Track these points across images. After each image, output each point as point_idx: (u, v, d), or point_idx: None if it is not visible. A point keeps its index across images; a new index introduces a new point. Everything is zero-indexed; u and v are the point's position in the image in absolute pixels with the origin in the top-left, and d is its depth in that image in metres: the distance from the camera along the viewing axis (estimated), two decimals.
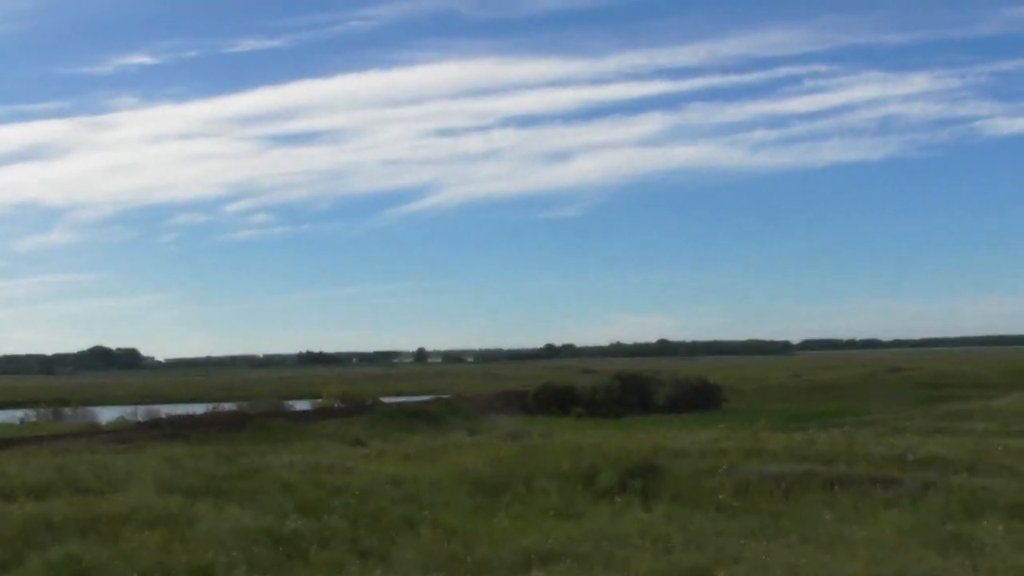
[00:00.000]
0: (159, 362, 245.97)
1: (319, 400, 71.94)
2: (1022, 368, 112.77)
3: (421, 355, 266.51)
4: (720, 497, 18.34)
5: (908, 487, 18.25)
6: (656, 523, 15.39)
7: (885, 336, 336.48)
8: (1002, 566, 11.30)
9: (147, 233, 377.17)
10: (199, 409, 60.41)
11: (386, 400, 69.60)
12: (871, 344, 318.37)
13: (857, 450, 23.19)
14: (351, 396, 72.43)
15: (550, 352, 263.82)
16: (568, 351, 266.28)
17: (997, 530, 13.57)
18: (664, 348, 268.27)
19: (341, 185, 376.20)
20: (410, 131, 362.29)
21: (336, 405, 66.33)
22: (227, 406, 63.94)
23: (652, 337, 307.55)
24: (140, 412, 58.60)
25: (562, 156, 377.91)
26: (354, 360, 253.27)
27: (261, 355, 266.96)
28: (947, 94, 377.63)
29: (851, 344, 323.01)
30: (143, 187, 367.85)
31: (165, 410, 59.91)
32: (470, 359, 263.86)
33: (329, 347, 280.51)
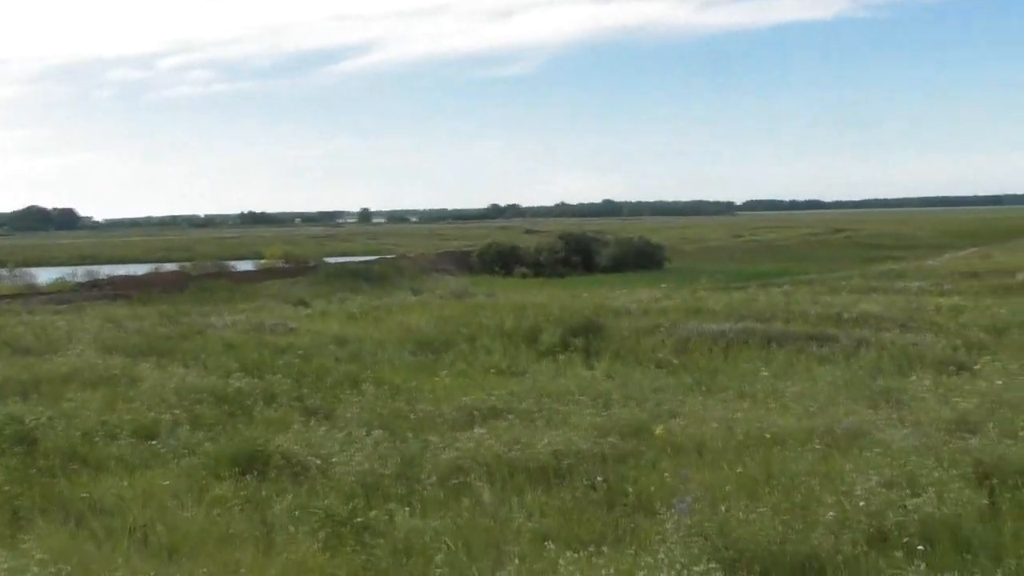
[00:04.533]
0: (98, 222, 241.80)
1: (262, 261, 71.38)
2: (956, 229, 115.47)
3: (365, 215, 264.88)
4: (660, 355, 18.70)
5: (842, 344, 18.72)
6: (597, 380, 15.66)
7: (827, 197, 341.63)
8: (927, 417, 11.69)
9: (80, 89, 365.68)
10: (140, 270, 59.71)
11: (330, 260, 69.37)
12: (813, 205, 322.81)
13: (794, 308, 23.68)
14: (294, 256, 72.07)
15: (495, 212, 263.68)
16: (513, 211, 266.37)
17: (924, 384, 14.02)
18: (609, 208, 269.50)
19: (280, 41, 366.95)
20: None
21: (279, 265, 65.96)
22: (169, 267, 63.26)
23: (597, 197, 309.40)
24: (79, 273, 57.65)
25: (508, 12, 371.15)
26: (297, 220, 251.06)
27: (202, 215, 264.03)
28: None
29: (794, 205, 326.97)
30: (73, 40, 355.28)
31: (105, 271, 58.99)
32: (414, 219, 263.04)
33: (271, 207, 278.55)
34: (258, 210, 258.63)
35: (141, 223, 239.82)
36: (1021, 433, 10.37)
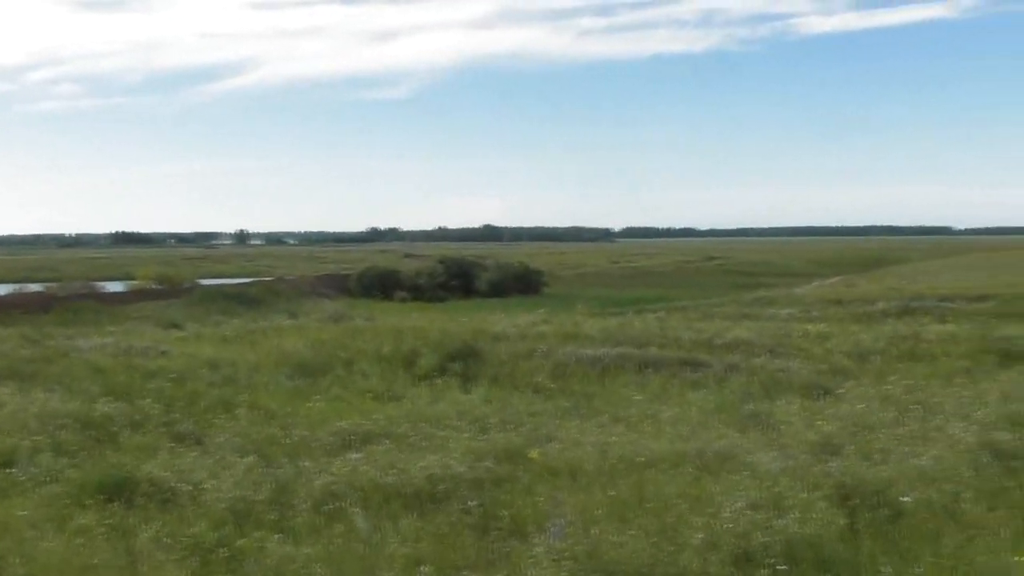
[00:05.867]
0: None
1: (133, 282, 69.35)
2: (824, 258, 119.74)
3: (242, 237, 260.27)
4: (537, 379, 18.84)
5: (714, 369, 19.19)
6: (474, 405, 15.67)
7: (701, 226, 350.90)
8: (793, 441, 12.05)
9: None
10: (2, 290, 57.41)
11: (205, 283, 67.93)
12: (688, 233, 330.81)
13: (669, 334, 24.17)
14: (168, 278, 70.22)
15: (374, 235, 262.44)
16: (392, 235, 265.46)
17: (792, 408, 14.45)
18: (489, 233, 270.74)
19: (152, 57, 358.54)
20: (228, 2, 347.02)
21: (152, 287, 64.24)
22: (33, 287, 60.91)
23: (477, 222, 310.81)
24: None
25: (387, 36, 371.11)
26: (171, 241, 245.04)
27: (70, 234, 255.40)
28: None
29: (669, 232, 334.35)
30: None
31: None
32: (292, 241, 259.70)
33: (144, 227, 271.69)
34: (130, 230, 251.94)
35: (4, 241, 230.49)
36: (879, 455, 10.78)
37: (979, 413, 13.02)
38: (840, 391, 16.37)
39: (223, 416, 14.76)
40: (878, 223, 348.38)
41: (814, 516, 8.47)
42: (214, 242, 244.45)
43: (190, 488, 10.30)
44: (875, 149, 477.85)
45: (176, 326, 33.96)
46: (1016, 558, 7.63)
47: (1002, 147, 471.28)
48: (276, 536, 8.81)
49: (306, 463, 11.38)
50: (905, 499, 9.12)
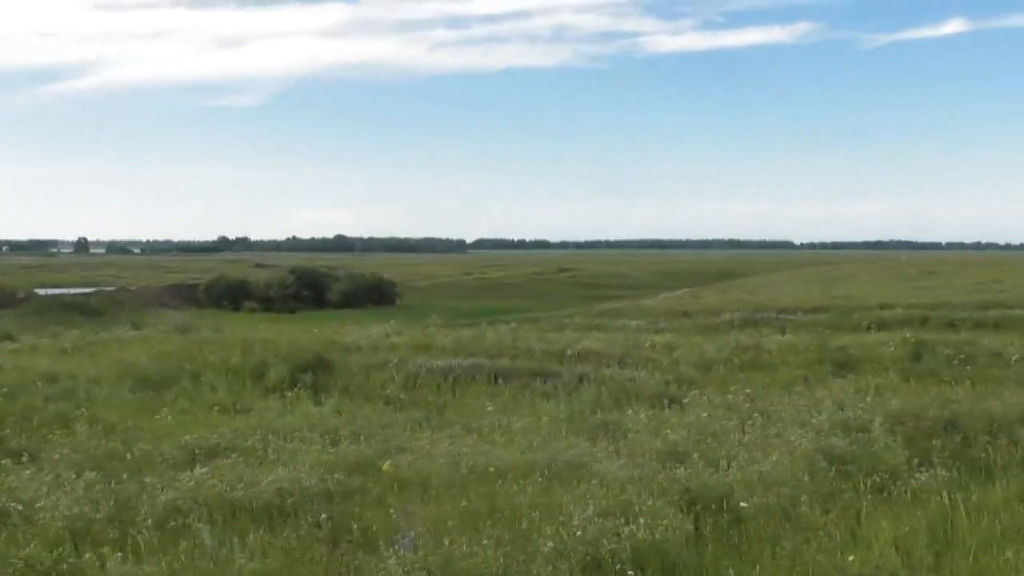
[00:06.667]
0: None
1: None
2: (672, 271, 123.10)
3: (82, 245, 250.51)
4: (389, 391, 18.76)
5: (565, 379, 19.42)
6: (325, 417, 15.48)
7: (553, 238, 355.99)
8: (641, 449, 12.31)
9: None
10: None
11: (42, 292, 65.23)
12: (540, 245, 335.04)
13: (521, 345, 24.34)
14: (0, 287, 67.11)
15: (223, 245, 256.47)
16: (242, 244, 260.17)
17: (640, 418, 14.73)
18: (341, 243, 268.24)
19: None
20: (69, 2, 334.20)
21: None
22: None
23: (329, 232, 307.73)
24: None
25: (237, 42, 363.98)
26: (3, 249, 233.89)
27: None
28: (614, 8, 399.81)
29: (522, 244, 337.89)
30: None
31: None
32: (137, 251, 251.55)
33: None
34: None
35: None
36: (723, 462, 11.12)
37: (815, 420, 13.54)
38: (686, 400, 16.76)
39: (60, 432, 14.13)
40: (723, 237, 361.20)
41: (661, 522, 8.67)
42: (52, 250, 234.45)
43: (23, 507, 9.84)
44: (720, 165, 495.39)
45: (9, 337, 32.39)
46: (848, 557, 7.99)
47: (835, 166, 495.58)
48: (117, 555, 8.51)
49: (149, 479, 11.02)
50: (746, 504, 9.44)
